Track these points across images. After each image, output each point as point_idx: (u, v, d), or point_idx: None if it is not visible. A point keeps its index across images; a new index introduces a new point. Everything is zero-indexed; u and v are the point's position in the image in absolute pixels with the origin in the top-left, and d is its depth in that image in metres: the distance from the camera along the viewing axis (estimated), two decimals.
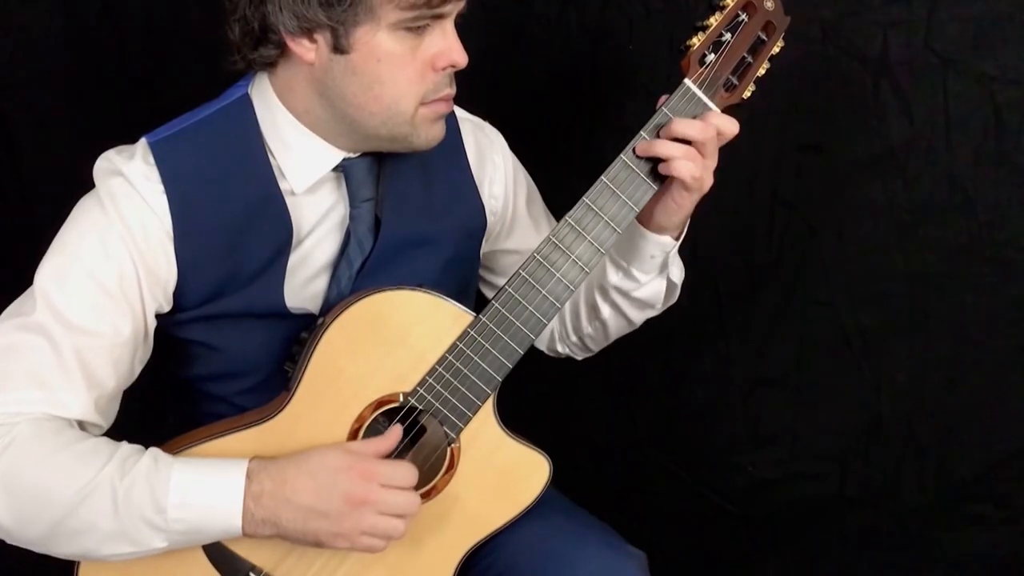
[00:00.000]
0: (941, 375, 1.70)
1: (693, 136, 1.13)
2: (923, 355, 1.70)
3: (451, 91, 1.15)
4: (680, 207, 1.19)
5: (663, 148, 1.13)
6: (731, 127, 1.16)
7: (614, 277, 1.28)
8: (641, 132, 1.15)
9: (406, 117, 1.12)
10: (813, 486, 1.80)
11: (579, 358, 1.47)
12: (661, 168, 1.14)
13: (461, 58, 1.12)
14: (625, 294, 1.30)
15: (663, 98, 1.16)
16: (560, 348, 1.46)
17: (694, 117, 1.15)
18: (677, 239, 1.25)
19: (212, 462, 1.08)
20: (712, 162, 1.17)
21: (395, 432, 1.12)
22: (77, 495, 1.02)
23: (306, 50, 1.09)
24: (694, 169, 1.13)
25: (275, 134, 1.16)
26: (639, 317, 1.35)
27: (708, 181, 1.17)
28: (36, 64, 1.58)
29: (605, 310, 1.33)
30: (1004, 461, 1.73)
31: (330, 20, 1.06)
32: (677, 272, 1.33)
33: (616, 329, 1.37)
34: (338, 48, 1.08)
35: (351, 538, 1.07)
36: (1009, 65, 1.52)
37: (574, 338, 1.42)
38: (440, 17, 1.09)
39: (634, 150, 1.14)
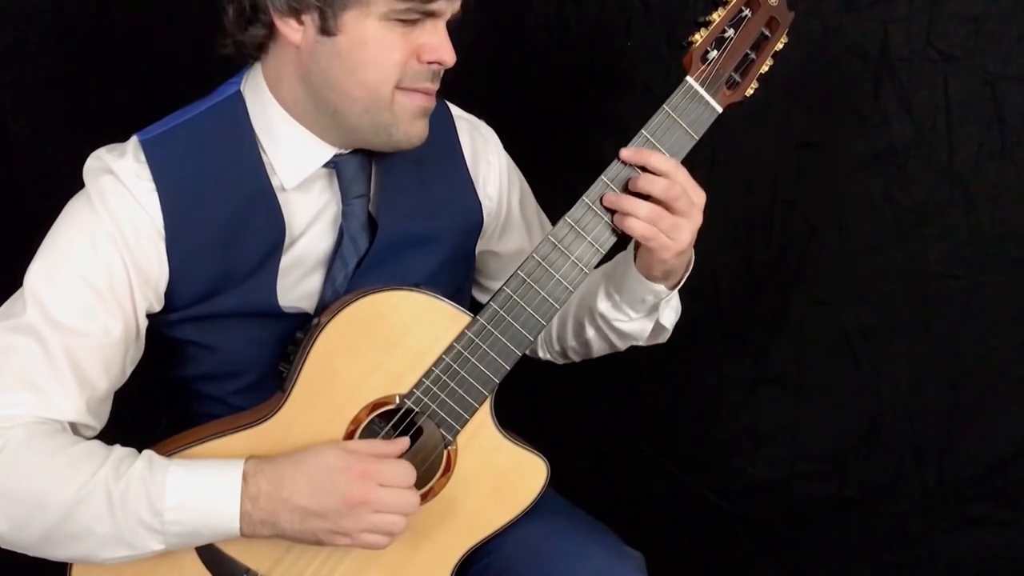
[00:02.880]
0: (942, 375, 1.70)
1: (656, 194, 1.11)
2: (923, 354, 1.69)
3: (432, 86, 1.14)
4: (650, 265, 1.17)
5: (627, 203, 1.11)
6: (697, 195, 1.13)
7: (603, 305, 1.28)
8: (642, 131, 1.13)
9: (386, 103, 1.11)
10: (813, 486, 1.80)
11: (559, 363, 1.47)
12: (616, 220, 1.12)
13: (449, 56, 1.11)
14: (609, 323, 1.29)
15: (624, 151, 1.12)
16: (541, 353, 1.46)
17: (666, 158, 1.12)
18: (673, 288, 1.23)
19: (208, 463, 1.07)
20: (686, 220, 1.13)
21: (400, 442, 1.11)
22: (72, 499, 1.01)
23: (293, 31, 1.09)
24: (645, 229, 1.11)
25: (267, 130, 1.15)
26: (623, 345, 1.35)
27: (674, 242, 1.13)
28: (28, 62, 1.57)
29: (590, 332, 1.33)
30: (1005, 461, 1.73)
31: (319, 1, 1.06)
32: (671, 316, 1.31)
33: (599, 350, 1.37)
34: (325, 30, 1.08)
35: (352, 536, 1.07)
36: (1010, 61, 1.52)
37: (557, 347, 1.43)
38: (432, 14, 1.09)
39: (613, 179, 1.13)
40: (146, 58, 1.59)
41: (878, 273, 1.66)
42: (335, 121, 1.14)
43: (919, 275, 1.65)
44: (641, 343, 1.35)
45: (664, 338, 1.36)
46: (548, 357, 1.46)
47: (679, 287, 1.25)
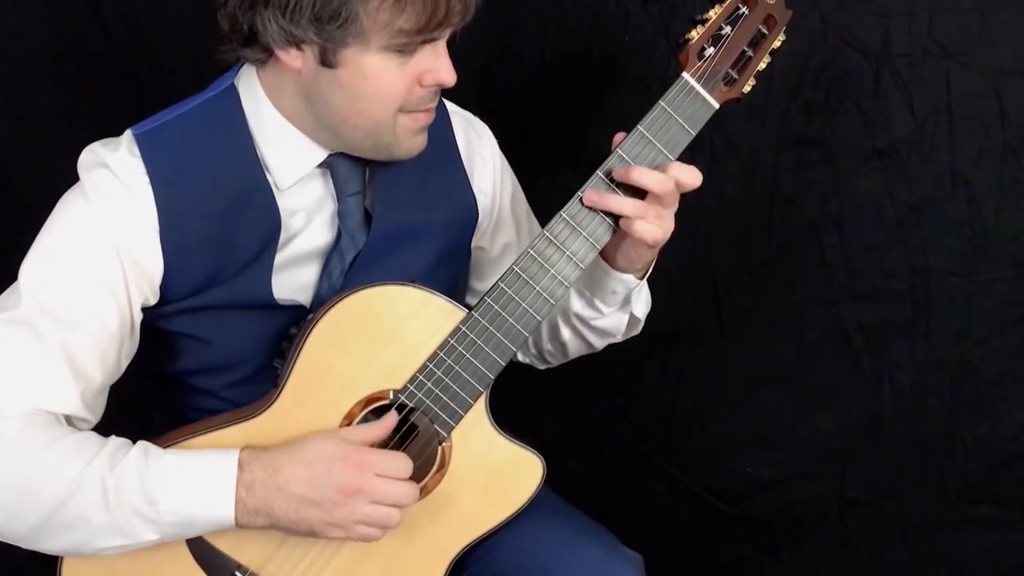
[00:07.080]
0: (943, 374, 1.69)
1: (651, 187, 1.10)
2: (925, 353, 1.68)
3: (433, 104, 1.14)
4: (640, 258, 1.18)
5: (616, 203, 1.10)
6: (692, 179, 1.12)
7: (577, 304, 1.28)
8: (638, 126, 1.12)
9: (388, 128, 1.12)
10: (813, 487, 1.79)
11: (540, 368, 1.47)
12: (622, 224, 1.11)
13: (449, 77, 1.11)
14: (585, 322, 1.29)
15: (619, 136, 1.12)
16: (520, 356, 1.45)
17: (655, 166, 1.11)
18: (642, 278, 1.24)
19: (203, 453, 1.07)
20: (670, 212, 1.14)
21: (390, 418, 1.11)
22: (67, 488, 1.01)
23: (293, 59, 1.08)
24: (654, 230, 1.11)
25: (260, 128, 1.15)
26: (600, 343, 1.35)
27: (666, 233, 1.14)
28: (19, 57, 1.57)
29: (565, 333, 1.33)
30: (1007, 461, 1.72)
31: (319, 38, 1.04)
32: (642, 307, 1.32)
33: (575, 350, 1.37)
34: (325, 63, 1.07)
35: (346, 527, 1.06)
36: (1013, 56, 1.51)
37: (533, 350, 1.42)
38: (432, 40, 1.09)
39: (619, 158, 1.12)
40: (137, 54, 1.58)
41: (879, 270, 1.65)
42: (334, 136, 1.14)
43: (920, 274, 1.64)
44: (618, 339, 1.34)
45: (638, 330, 1.35)
46: (527, 360, 1.46)
47: (647, 276, 1.24)
